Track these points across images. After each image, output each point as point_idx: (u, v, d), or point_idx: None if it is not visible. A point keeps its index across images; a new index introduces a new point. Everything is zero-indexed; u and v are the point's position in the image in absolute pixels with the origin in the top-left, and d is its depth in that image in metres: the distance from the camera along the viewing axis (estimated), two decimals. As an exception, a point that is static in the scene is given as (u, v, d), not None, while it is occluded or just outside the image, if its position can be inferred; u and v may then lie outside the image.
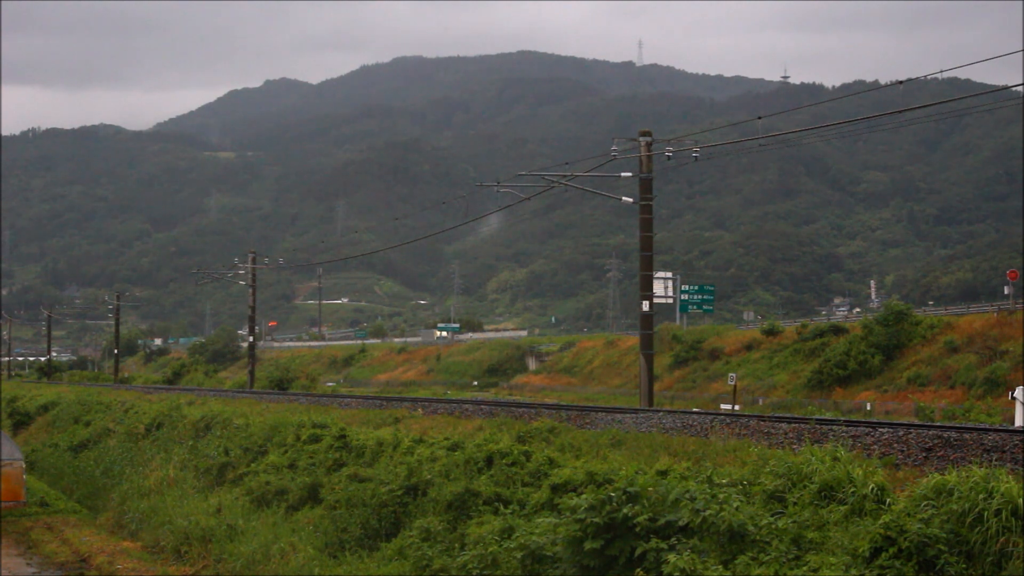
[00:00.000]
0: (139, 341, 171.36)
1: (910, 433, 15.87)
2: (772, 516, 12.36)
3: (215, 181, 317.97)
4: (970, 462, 13.11)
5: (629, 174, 34.19)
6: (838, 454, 13.86)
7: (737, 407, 37.36)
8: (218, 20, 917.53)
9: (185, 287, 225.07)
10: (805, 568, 11.11)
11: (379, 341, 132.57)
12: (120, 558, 22.03)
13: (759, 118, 31.63)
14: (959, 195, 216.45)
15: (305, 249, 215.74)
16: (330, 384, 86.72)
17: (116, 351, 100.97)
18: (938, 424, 18.56)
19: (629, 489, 13.13)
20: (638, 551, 12.40)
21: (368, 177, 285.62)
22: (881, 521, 10.92)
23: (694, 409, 29.41)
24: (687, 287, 76.20)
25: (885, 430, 16.44)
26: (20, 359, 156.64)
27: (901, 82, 28.58)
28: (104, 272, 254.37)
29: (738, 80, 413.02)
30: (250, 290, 64.11)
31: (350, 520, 19.27)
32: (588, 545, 12.84)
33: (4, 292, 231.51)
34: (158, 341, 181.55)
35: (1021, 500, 10.36)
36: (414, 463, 19.91)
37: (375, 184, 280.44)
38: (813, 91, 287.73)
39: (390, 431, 25.12)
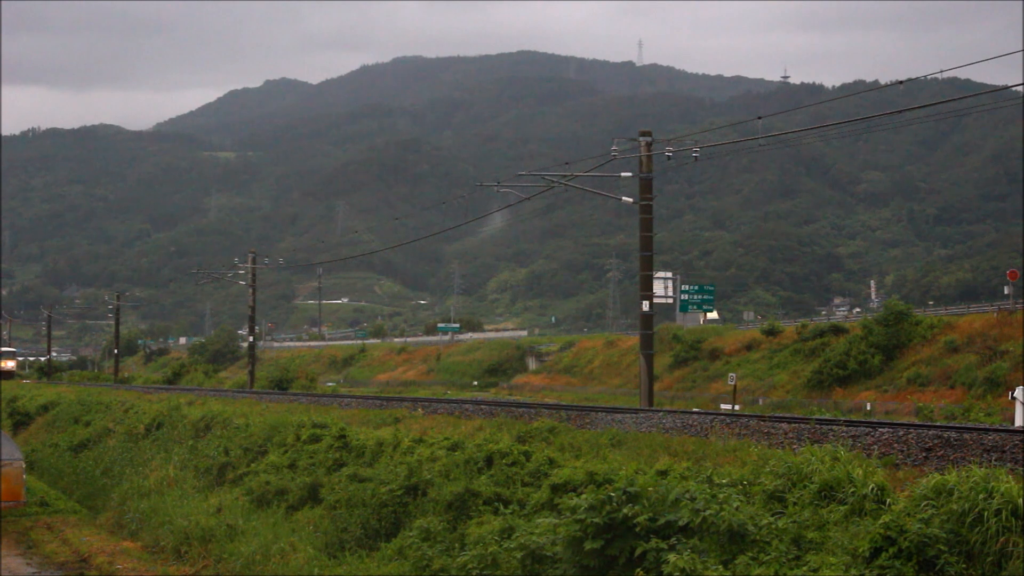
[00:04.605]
0: (139, 341, 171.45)
1: (910, 433, 15.87)
2: (772, 516, 12.36)
3: (215, 181, 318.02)
4: (970, 462, 13.11)
5: (629, 174, 34.21)
6: (838, 454, 13.86)
7: (737, 407, 37.35)
8: (220, 20, 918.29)
9: (185, 287, 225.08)
10: (805, 568, 11.11)
11: (379, 341, 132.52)
12: (120, 558, 22.01)
13: (759, 118, 31.69)
14: (959, 195, 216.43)
15: (305, 249, 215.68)
16: (330, 384, 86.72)
17: (116, 351, 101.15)
18: (938, 424, 18.55)
19: (629, 489, 13.13)
20: (638, 551, 12.40)
21: (368, 177, 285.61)
22: (881, 521, 10.92)
23: (694, 409, 29.40)
24: (687, 287, 76.12)
25: (885, 430, 16.44)
26: (20, 359, 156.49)
27: (901, 82, 28.63)
28: (104, 272, 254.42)
29: (738, 80, 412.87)
30: (250, 290, 64.16)
31: (350, 520, 19.28)
32: (588, 545, 12.85)
33: (4, 292, 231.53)
34: (183, 340, 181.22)
35: (1021, 500, 10.37)
36: (414, 463, 19.90)
37: (375, 184, 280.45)
38: (813, 91, 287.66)
39: (390, 431, 25.11)
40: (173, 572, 20.38)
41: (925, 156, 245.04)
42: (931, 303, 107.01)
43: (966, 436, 15.08)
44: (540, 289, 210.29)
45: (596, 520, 12.89)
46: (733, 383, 42.48)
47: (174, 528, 22.30)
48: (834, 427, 17.46)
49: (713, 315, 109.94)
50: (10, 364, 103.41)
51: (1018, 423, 23.16)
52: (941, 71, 26.62)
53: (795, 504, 12.71)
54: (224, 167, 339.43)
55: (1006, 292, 66.22)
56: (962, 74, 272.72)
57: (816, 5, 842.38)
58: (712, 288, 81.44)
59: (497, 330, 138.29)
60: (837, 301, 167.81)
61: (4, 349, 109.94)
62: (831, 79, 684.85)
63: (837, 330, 59.59)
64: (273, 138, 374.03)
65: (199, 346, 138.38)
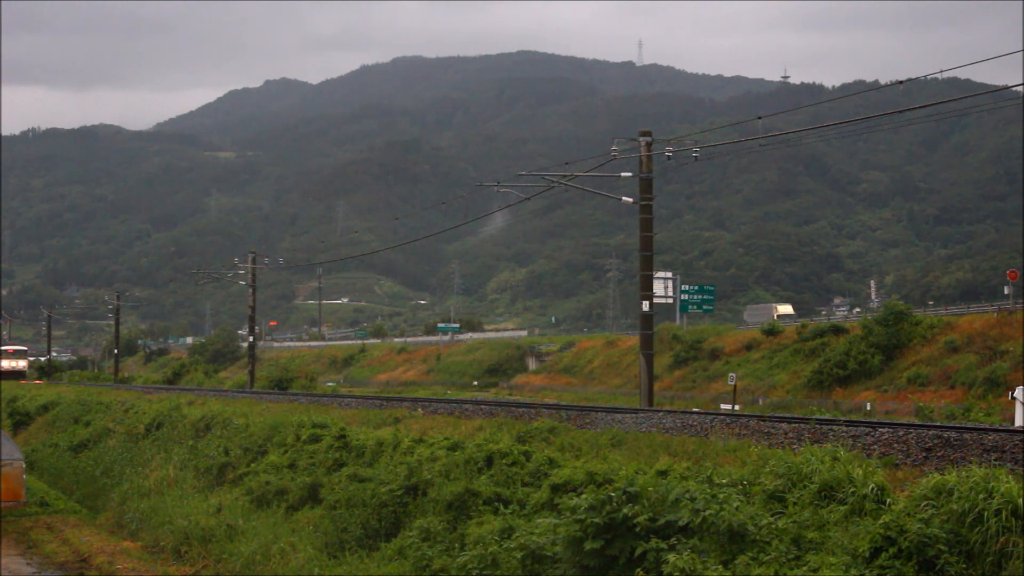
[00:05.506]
0: (139, 341, 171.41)
1: (910, 433, 15.87)
2: (772, 516, 12.36)
3: (215, 181, 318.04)
4: (970, 462, 13.11)
5: (629, 174, 34.21)
6: (838, 454, 13.86)
7: (737, 407, 37.33)
8: (220, 20, 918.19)
9: (185, 287, 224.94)
10: (805, 568, 11.10)
11: (379, 341, 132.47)
12: (120, 558, 22.00)
13: (759, 118, 31.71)
14: (959, 195, 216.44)
15: (305, 249, 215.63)
16: (330, 384, 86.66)
17: (116, 351, 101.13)
18: (938, 424, 18.55)
19: (629, 489, 13.13)
20: (638, 551, 12.40)
21: (368, 177, 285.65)
22: (881, 521, 10.92)
23: (694, 409, 29.40)
24: (687, 287, 76.18)
25: (885, 430, 16.44)
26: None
27: (901, 82, 28.63)
28: (104, 272, 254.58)
29: (738, 80, 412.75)
30: (250, 290, 64.17)
31: (350, 520, 19.27)
32: (588, 545, 12.84)
33: (4, 292, 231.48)
34: (189, 339, 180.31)
35: (1021, 500, 10.37)
36: (414, 463, 19.90)
37: (375, 184, 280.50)
38: (813, 91, 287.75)
39: (390, 431, 25.10)
40: (173, 572, 20.38)
41: (925, 156, 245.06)
42: (931, 303, 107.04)
43: (966, 436, 15.08)
44: (540, 289, 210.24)
45: (596, 520, 12.89)
46: (733, 383, 42.46)
47: (174, 528, 22.30)
48: (834, 427, 17.46)
49: (787, 309, 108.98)
50: (21, 364, 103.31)
51: (1018, 423, 23.16)
52: (941, 71, 26.64)
53: (795, 504, 12.70)
54: (224, 167, 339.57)
55: (1006, 292, 66.25)
56: (962, 74, 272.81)
57: (816, 5, 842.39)
58: (712, 288, 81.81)
59: (497, 330, 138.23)
60: (837, 301, 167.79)
61: (17, 348, 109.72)
62: (831, 79, 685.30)
63: (837, 330, 59.59)
64: (273, 138, 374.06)
65: (199, 346, 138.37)
